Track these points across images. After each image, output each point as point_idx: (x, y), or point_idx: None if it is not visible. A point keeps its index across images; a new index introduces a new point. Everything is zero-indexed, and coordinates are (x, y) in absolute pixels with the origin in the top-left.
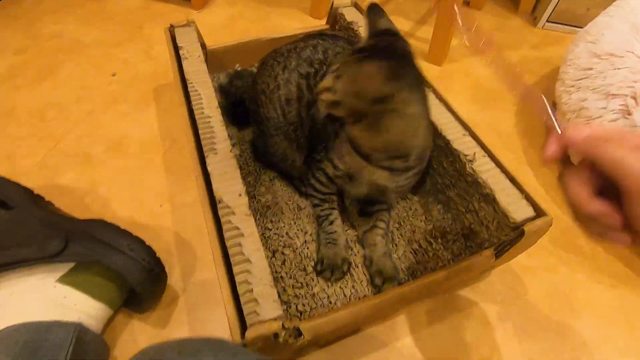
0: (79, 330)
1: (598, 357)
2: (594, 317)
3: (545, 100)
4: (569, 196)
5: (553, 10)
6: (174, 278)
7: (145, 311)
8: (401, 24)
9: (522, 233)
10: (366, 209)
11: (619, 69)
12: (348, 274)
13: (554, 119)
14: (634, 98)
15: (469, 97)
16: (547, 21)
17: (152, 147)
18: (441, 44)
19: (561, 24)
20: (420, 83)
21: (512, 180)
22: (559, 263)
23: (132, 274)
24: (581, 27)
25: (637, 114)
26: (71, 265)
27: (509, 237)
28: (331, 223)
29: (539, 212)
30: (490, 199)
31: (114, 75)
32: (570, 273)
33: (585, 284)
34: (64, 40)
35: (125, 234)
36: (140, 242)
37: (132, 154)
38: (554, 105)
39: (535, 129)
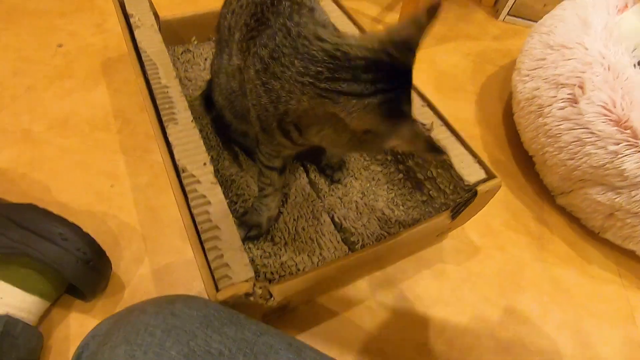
0: (5, 323)
1: (538, 331)
2: (537, 294)
3: None
4: None
5: (513, 4)
6: (122, 266)
7: (89, 300)
8: (369, 9)
9: (475, 193)
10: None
11: (569, 60)
12: (315, 243)
13: None
14: (581, 87)
15: (432, 86)
16: (508, 14)
17: (102, 127)
18: None
19: (521, 17)
20: None
21: (466, 146)
22: (509, 243)
23: (65, 267)
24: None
25: (582, 103)
26: None
27: (463, 199)
28: (265, 197)
29: (490, 175)
30: (446, 165)
31: (60, 46)
32: (518, 253)
33: (531, 263)
34: (0, 7)
35: (59, 220)
36: (76, 229)
37: (79, 133)
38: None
39: (492, 118)
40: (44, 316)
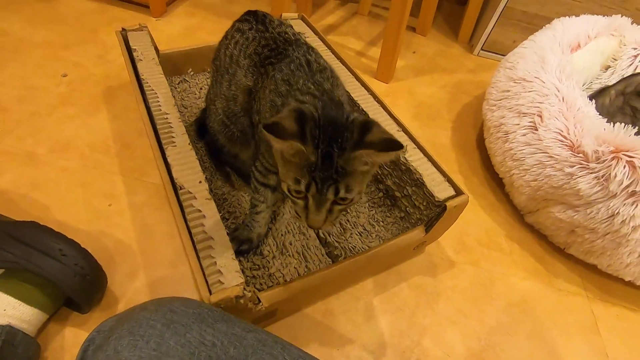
0: (6, 333)
1: (508, 340)
2: (508, 306)
3: None
4: None
5: (486, 40)
6: (117, 280)
7: (85, 312)
8: (353, 44)
9: (445, 208)
10: None
11: (529, 92)
12: (302, 257)
13: None
14: (540, 116)
15: (411, 114)
16: (482, 49)
17: (102, 150)
18: (388, 64)
19: (493, 52)
20: None
21: (437, 166)
22: (482, 259)
23: (64, 281)
24: None
25: (541, 130)
26: (1, 270)
27: (435, 213)
28: (257, 213)
29: (458, 192)
30: (419, 183)
31: (64, 76)
32: (490, 267)
33: (502, 277)
34: (8, 39)
35: (58, 237)
36: (75, 245)
37: (80, 155)
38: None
39: (467, 144)
40: (42, 328)
